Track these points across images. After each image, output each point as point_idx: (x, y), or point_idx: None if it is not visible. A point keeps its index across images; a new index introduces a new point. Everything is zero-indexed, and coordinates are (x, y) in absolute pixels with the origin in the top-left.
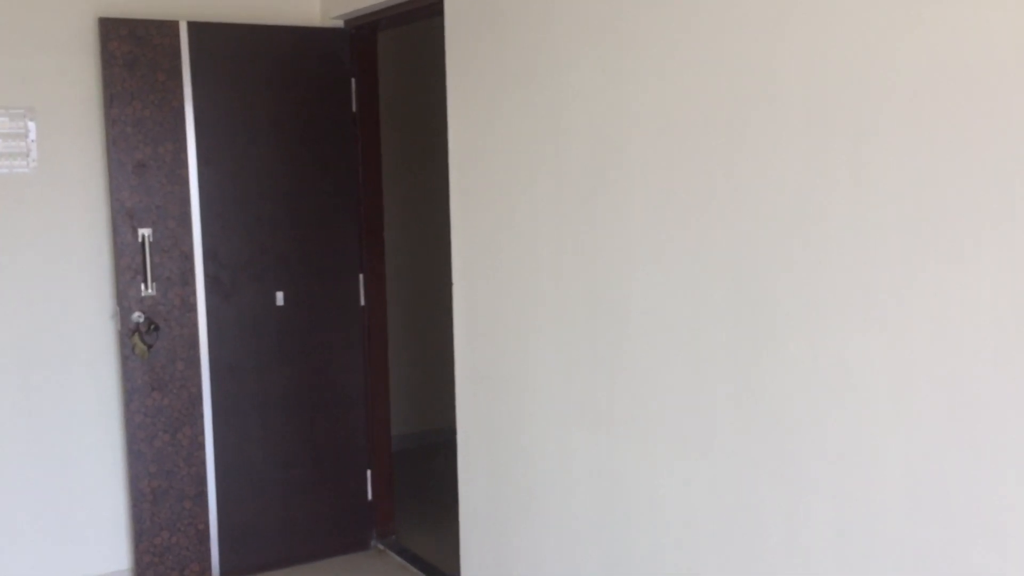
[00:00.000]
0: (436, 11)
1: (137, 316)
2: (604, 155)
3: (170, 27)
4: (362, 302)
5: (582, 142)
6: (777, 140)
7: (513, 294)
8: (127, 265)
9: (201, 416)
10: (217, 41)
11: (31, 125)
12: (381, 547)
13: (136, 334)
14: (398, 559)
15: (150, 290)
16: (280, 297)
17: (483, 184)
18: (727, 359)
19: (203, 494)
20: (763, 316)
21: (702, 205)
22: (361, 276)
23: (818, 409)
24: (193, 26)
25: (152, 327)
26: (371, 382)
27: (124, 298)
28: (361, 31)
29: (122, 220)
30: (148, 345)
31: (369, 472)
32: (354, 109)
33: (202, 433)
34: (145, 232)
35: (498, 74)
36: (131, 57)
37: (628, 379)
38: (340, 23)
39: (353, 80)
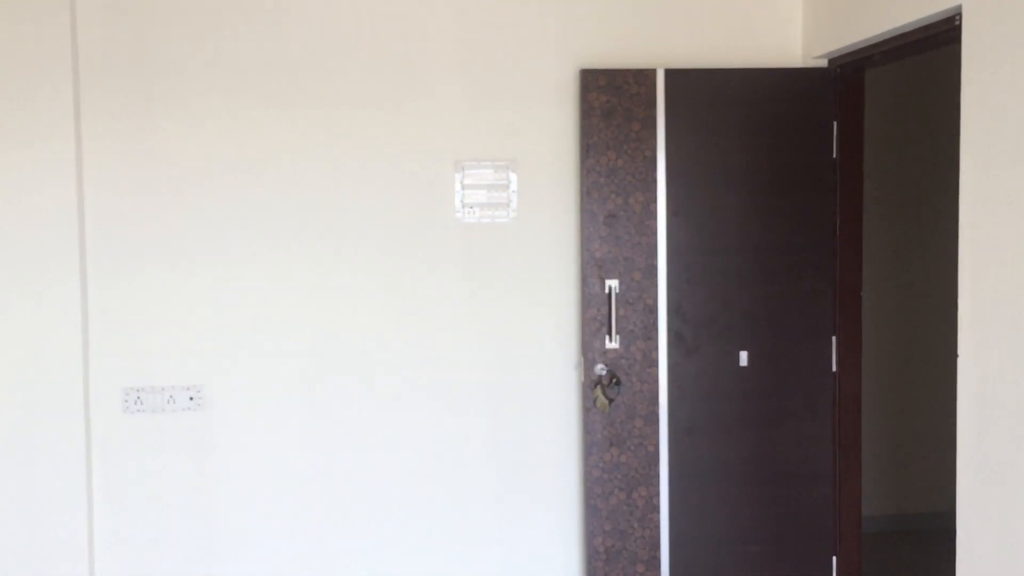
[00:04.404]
0: (948, 39)
1: (600, 368)
2: None
3: (647, 76)
4: (834, 367)
5: None
6: None
7: None
8: (593, 316)
9: (657, 477)
10: (692, 88)
11: (513, 176)
12: None
13: (599, 387)
14: None
15: (614, 343)
16: (744, 357)
17: (1008, 233)
18: None
19: (656, 559)
20: None
21: None
22: (834, 339)
23: None
24: (670, 73)
25: (614, 380)
26: (840, 456)
27: (588, 349)
28: (846, 69)
29: (591, 271)
30: (610, 399)
31: (835, 559)
32: (834, 155)
33: (657, 495)
34: (612, 283)
35: None
36: (608, 107)
37: None
38: (823, 62)
39: (835, 123)
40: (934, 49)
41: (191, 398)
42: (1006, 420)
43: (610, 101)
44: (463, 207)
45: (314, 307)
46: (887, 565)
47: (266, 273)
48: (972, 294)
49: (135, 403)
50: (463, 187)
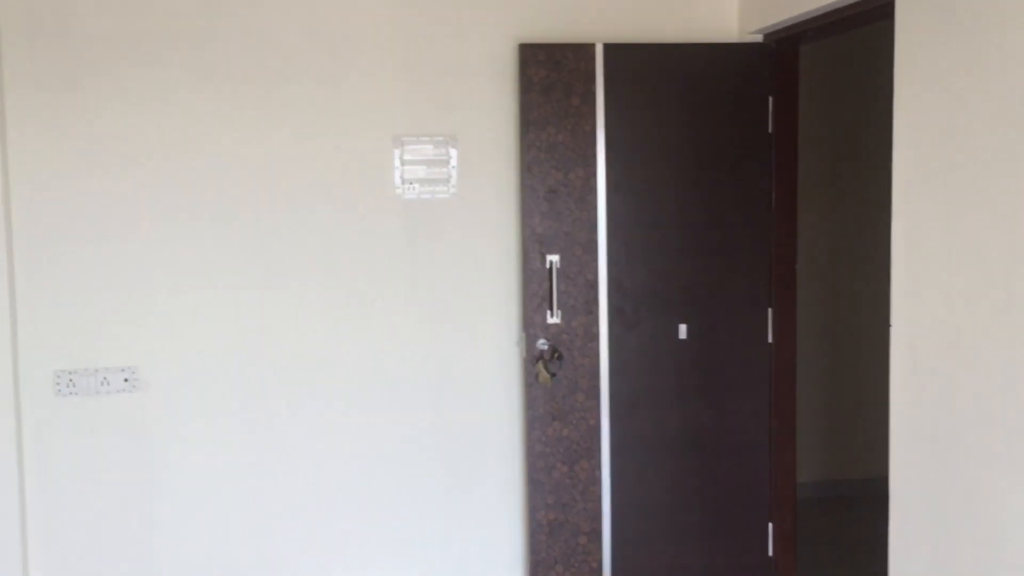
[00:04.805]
0: (882, 15)
1: (542, 343)
2: None
3: (586, 50)
4: (770, 339)
5: None
6: None
7: (977, 340)
8: (534, 292)
9: (599, 450)
10: (631, 63)
11: (453, 152)
12: None
13: (541, 362)
14: None
15: (555, 318)
16: (683, 330)
17: (939, 207)
18: None
19: (597, 531)
20: None
21: None
22: (770, 311)
23: None
24: (609, 48)
25: (556, 355)
26: (776, 426)
27: (530, 325)
28: (781, 45)
29: (532, 246)
30: (552, 374)
31: (771, 525)
32: (770, 130)
33: (599, 468)
34: (553, 259)
35: (970, 77)
36: (548, 82)
37: None
38: (759, 37)
39: (771, 98)
40: (868, 25)
41: (126, 380)
42: (937, 387)
43: (550, 76)
44: (403, 183)
45: (251, 286)
46: (822, 530)
47: (201, 252)
48: (905, 265)
49: (67, 385)
50: (403, 163)
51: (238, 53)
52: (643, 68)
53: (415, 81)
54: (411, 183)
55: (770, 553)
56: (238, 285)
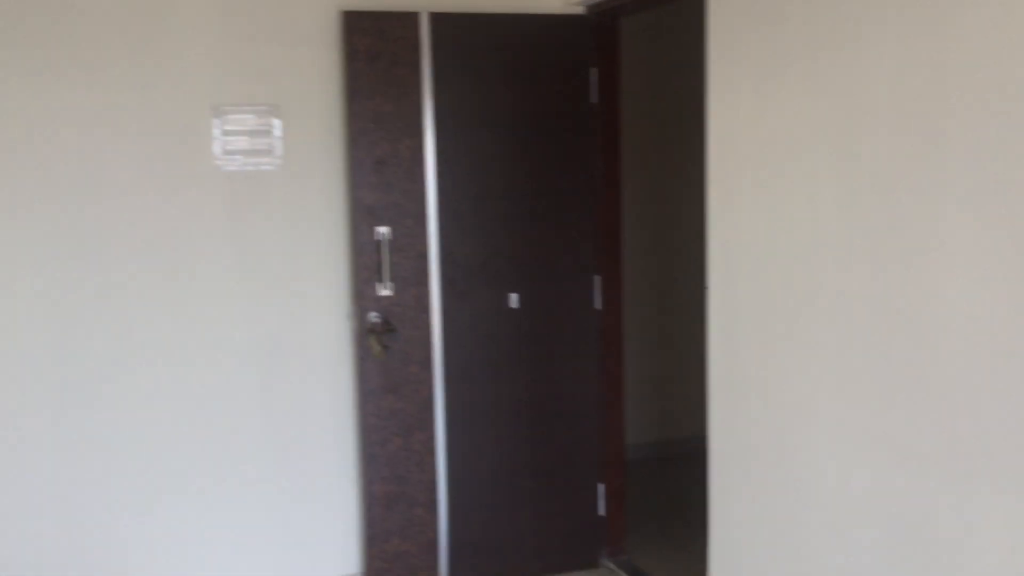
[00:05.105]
0: None
1: (374, 316)
2: (911, 137)
3: (411, 19)
4: (598, 305)
5: (881, 124)
6: None
7: (785, 300)
8: (365, 264)
9: (433, 421)
10: (457, 33)
11: (276, 122)
12: (612, 566)
13: (372, 335)
14: None
15: (387, 290)
16: (514, 299)
17: (749, 176)
18: None
19: (433, 502)
20: None
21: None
22: (597, 278)
23: None
24: (434, 17)
25: (388, 328)
26: (605, 390)
27: (361, 297)
28: (602, 17)
29: (361, 218)
30: (384, 347)
31: (601, 486)
32: (594, 100)
33: (433, 439)
34: (383, 230)
35: (774, 51)
36: (373, 51)
37: (935, 404)
38: (581, 9)
39: (593, 70)
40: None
41: None
42: (750, 347)
43: (375, 45)
44: (224, 154)
45: (67, 265)
46: (650, 488)
47: (11, 232)
48: (719, 230)
49: None
50: (223, 133)
51: (46, 20)
52: (469, 38)
53: (235, 49)
54: (233, 154)
55: (601, 513)
56: (55, 265)
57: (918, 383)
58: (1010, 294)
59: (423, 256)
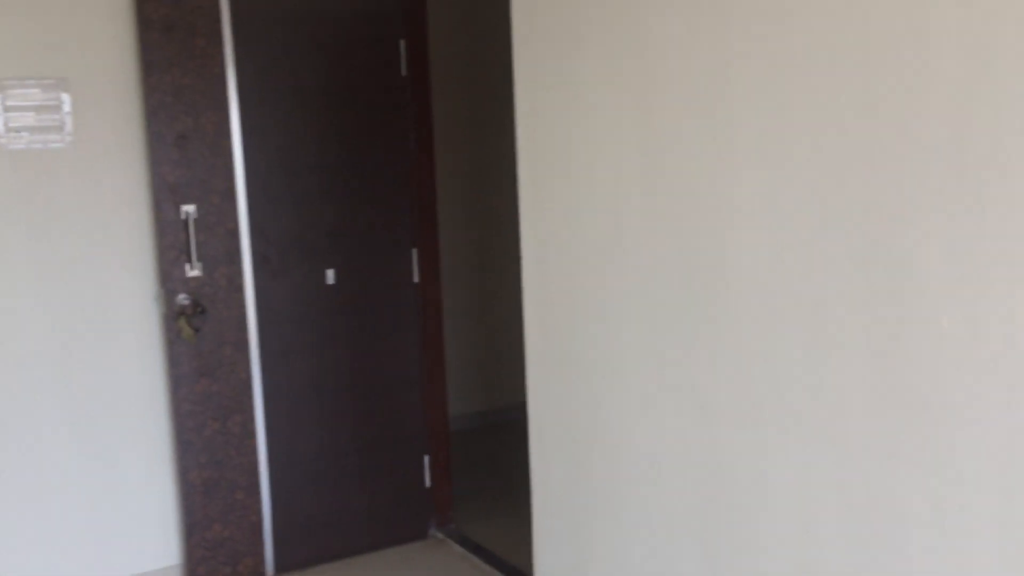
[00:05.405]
0: None
1: (183, 298)
2: (703, 106)
3: None
4: (416, 278)
5: (675, 96)
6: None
7: (593, 268)
8: (170, 244)
9: (251, 402)
10: (259, 2)
11: (65, 97)
12: (440, 536)
13: (182, 317)
14: (458, 548)
15: (195, 270)
16: (331, 275)
17: (557, 150)
18: (856, 332)
19: (255, 485)
20: (903, 280)
21: (827, 144)
22: (414, 251)
23: (974, 392)
24: None
25: (199, 309)
26: (426, 362)
27: (168, 279)
28: None
29: (164, 196)
30: (195, 328)
31: (426, 457)
32: (404, 73)
33: (252, 421)
34: (189, 209)
35: (573, 22)
36: (168, 21)
37: (732, 357)
38: None
39: (402, 42)
40: None
41: None
42: (561, 316)
43: (170, 15)
44: (7, 131)
45: None
46: (475, 457)
47: None
48: (529, 202)
49: None
50: (6, 109)
51: None
52: (272, 8)
53: (15, 17)
54: (18, 131)
55: (428, 484)
56: None
57: (715, 338)
58: (796, 241)
59: (233, 234)
